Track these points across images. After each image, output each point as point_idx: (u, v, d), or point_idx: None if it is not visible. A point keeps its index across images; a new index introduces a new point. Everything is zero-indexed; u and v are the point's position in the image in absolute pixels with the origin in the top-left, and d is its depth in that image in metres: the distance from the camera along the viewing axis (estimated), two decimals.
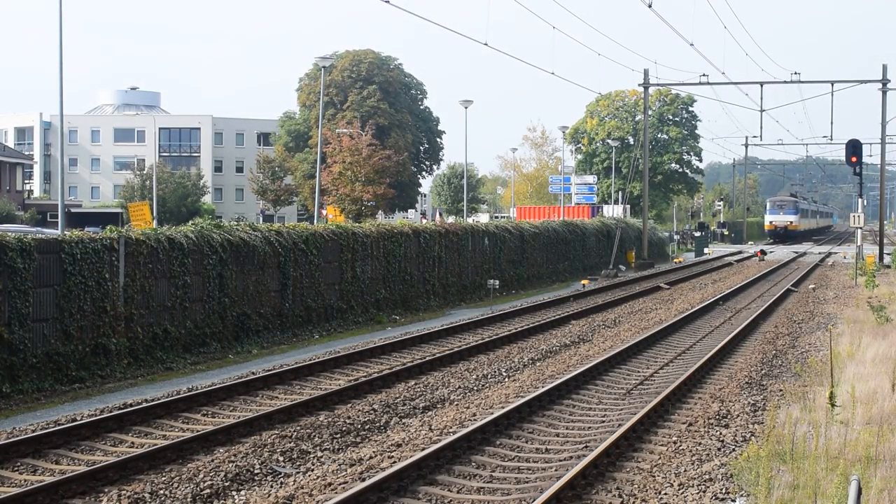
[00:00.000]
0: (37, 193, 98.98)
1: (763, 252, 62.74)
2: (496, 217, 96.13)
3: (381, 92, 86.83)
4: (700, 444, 13.48)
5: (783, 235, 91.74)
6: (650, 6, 34.57)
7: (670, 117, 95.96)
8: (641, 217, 58.71)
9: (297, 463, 12.94)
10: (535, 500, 10.87)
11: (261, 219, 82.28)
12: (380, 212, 72.11)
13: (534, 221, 48.30)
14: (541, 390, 16.59)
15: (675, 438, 13.90)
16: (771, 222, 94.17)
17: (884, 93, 52.41)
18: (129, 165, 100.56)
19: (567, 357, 21.33)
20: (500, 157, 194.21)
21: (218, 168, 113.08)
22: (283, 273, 25.13)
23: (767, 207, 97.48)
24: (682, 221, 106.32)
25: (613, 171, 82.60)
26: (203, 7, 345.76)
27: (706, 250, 67.47)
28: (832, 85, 52.32)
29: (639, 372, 19.60)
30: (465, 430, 13.62)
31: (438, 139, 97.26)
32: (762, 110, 54.01)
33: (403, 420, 15.34)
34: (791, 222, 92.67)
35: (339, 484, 11.75)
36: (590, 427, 14.92)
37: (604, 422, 15.21)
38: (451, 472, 12.40)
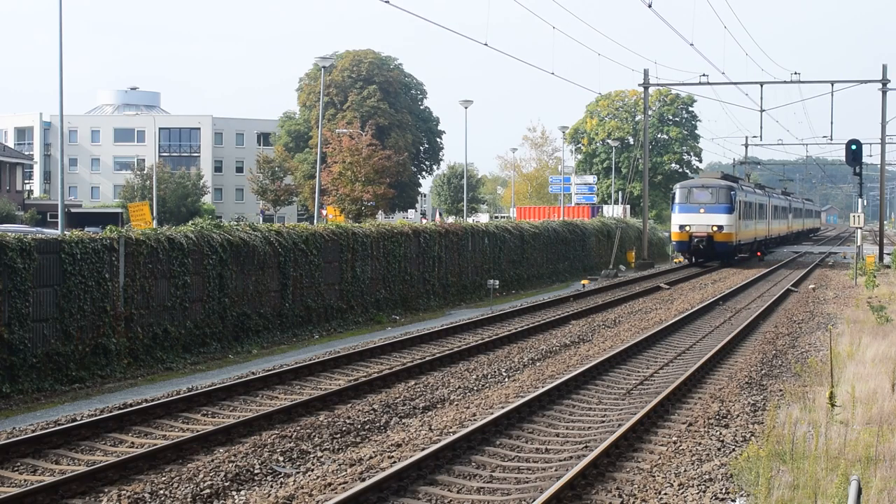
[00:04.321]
0: (37, 193, 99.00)
1: (762, 252, 62.35)
2: (496, 217, 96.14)
3: (381, 92, 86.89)
4: (700, 444, 13.48)
5: (705, 252, 50.67)
6: (650, 6, 34.58)
7: (670, 117, 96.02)
8: (641, 217, 58.71)
9: (297, 463, 12.94)
10: (535, 500, 10.87)
11: (261, 219, 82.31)
12: (380, 212, 72.12)
13: (534, 221, 48.28)
14: (541, 390, 16.59)
15: (675, 438, 13.90)
16: (682, 227, 50.58)
17: (884, 93, 52.40)
18: (130, 165, 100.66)
19: (567, 357, 21.33)
20: (500, 157, 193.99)
21: (218, 168, 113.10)
22: (283, 273, 25.13)
23: (676, 198, 51.50)
24: None
25: (613, 171, 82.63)
26: (203, 7, 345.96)
27: None
28: (832, 85, 52.34)
29: (639, 372, 19.60)
30: (465, 430, 13.62)
31: (438, 139, 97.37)
32: (762, 110, 54.02)
33: (403, 420, 15.34)
34: (719, 227, 49.83)
35: (339, 484, 11.75)
36: (590, 427, 14.92)
37: (604, 422, 15.21)
38: (451, 472, 12.40)
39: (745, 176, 75.68)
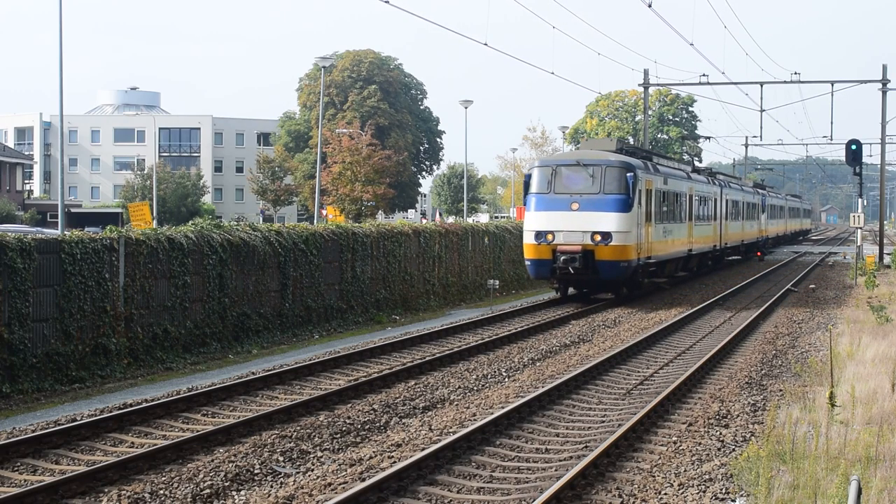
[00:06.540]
0: (37, 193, 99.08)
1: (762, 252, 62.07)
2: (496, 217, 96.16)
3: (382, 92, 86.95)
4: (700, 444, 13.48)
5: (580, 277, 30.26)
6: (650, 6, 34.55)
7: (670, 117, 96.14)
8: None
9: (297, 463, 12.94)
10: (535, 500, 10.86)
11: (261, 219, 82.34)
12: (380, 212, 72.17)
13: None
14: (541, 390, 16.58)
15: (675, 438, 13.89)
16: (539, 235, 29.87)
17: (884, 93, 52.36)
18: (130, 165, 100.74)
19: (567, 357, 21.32)
20: (500, 157, 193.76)
21: (218, 168, 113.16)
22: (283, 273, 25.13)
23: (532, 185, 30.59)
24: None
25: None
26: (204, 7, 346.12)
27: None
28: (832, 85, 52.30)
29: (639, 372, 19.60)
30: (465, 430, 13.62)
31: (438, 139, 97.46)
32: (762, 110, 54.04)
33: (403, 420, 15.34)
34: (605, 235, 29.21)
35: (339, 484, 11.75)
36: (590, 427, 14.91)
37: (604, 422, 15.20)
38: (451, 472, 12.39)
39: (711, 169, 59.06)
